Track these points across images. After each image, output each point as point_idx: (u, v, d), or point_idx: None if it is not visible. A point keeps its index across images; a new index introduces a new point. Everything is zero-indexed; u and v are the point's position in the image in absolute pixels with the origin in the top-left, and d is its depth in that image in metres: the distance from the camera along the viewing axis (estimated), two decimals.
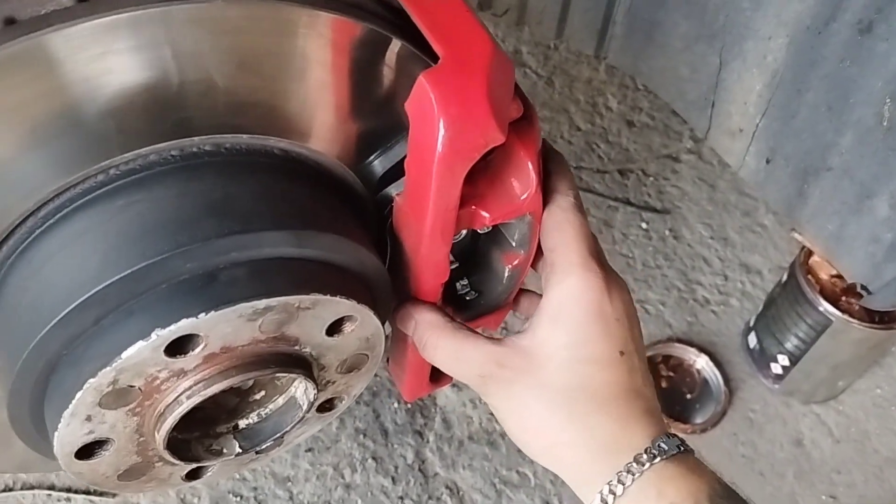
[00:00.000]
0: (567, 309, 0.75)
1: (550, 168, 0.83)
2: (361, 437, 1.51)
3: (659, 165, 2.11)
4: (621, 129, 2.17)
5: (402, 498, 1.45)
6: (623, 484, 0.69)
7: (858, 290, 1.19)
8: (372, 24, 0.71)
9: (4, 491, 1.37)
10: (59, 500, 1.38)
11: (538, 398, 0.74)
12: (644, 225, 1.97)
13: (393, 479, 1.47)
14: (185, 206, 0.66)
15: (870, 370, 1.74)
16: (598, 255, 0.79)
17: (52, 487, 1.38)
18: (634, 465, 0.70)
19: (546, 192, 0.82)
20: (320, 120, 0.75)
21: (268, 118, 0.71)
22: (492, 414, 1.65)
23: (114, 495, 1.35)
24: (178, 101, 0.65)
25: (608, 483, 0.70)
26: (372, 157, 0.82)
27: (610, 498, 0.69)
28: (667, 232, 1.97)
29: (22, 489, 1.37)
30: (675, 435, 0.73)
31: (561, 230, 0.79)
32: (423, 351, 0.82)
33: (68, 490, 1.38)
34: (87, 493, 1.37)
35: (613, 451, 0.71)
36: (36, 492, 1.37)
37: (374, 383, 1.59)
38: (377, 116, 0.78)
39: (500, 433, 1.58)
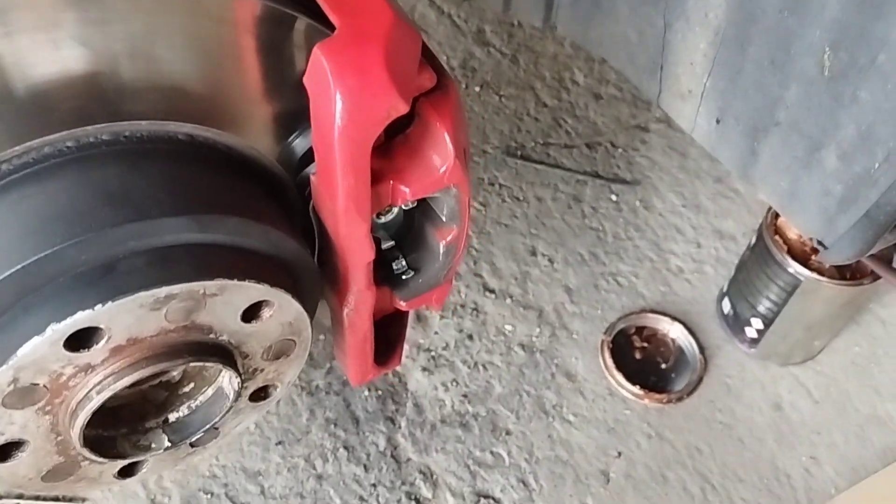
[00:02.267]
0: None
1: None
2: (332, 426, 1.50)
3: (628, 137, 2.08)
4: (588, 103, 2.15)
5: (374, 485, 1.44)
6: None
7: (815, 245, 1.17)
8: (272, 1, 0.69)
9: None
10: None
11: None
12: (614, 197, 1.94)
13: (365, 466, 1.46)
14: (81, 198, 0.65)
15: (847, 329, 1.72)
16: None
17: (20, 497, 1.37)
18: None
19: None
20: (229, 102, 0.74)
21: (167, 102, 0.69)
22: (464, 395, 1.64)
23: (83, 500, 1.35)
24: (63, 89, 0.63)
25: None
26: (291, 138, 0.80)
27: None
28: (637, 203, 1.94)
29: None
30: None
31: None
32: None
33: (37, 498, 1.38)
34: (57, 499, 1.37)
35: None
36: (4, 501, 1.36)
37: (343, 373, 1.58)
38: (290, 97, 0.76)
39: (472, 415, 1.57)
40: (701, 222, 1.93)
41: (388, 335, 1.02)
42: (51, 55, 0.62)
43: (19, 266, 0.61)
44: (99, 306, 0.61)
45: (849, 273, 1.52)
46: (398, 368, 1.60)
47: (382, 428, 1.52)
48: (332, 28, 0.72)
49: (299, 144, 0.82)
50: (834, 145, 1.07)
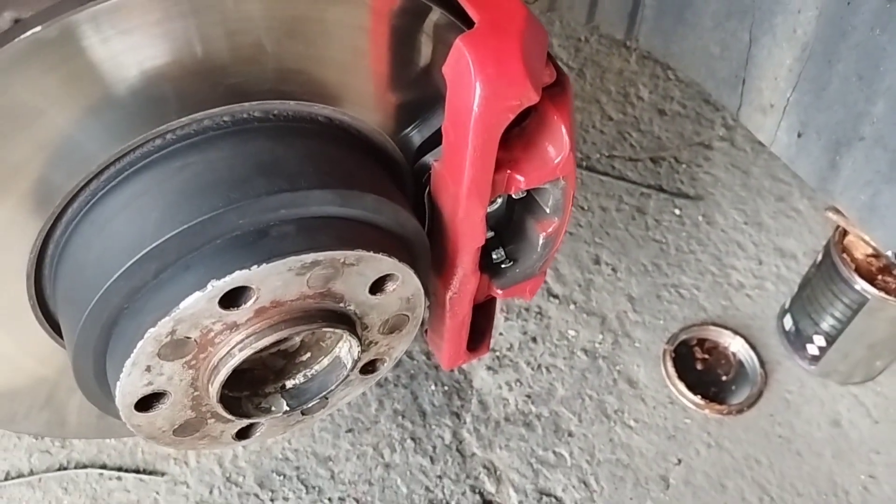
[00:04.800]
0: None
1: None
2: (400, 418, 1.54)
3: (691, 153, 2.11)
4: (653, 118, 2.18)
5: (440, 477, 1.48)
6: None
7: (892, 259, 1.19)
8: None
9: (59, 470, 1.43)
10: (110, 479, 1.43)
11: None
12: (677, 211, 1.97)
13: (431, 458, 1.50)
14: (237, 167, 0.70)
15: None
16: None
17: (104, 466, 1.42)
18: None
19: None
20: (363, 89, 0.79)
21: (313, 85, 0.74)
22: (528, 396, 1.68)
23: (163, 474, 1.40)
24: (230, 67, 0.69)
25: None
26: (410, 128, 0.85)
27: None
28: (700, 218, 1.97)
29: (75, 468, 1.42)
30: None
31: None
32: None
33: (119, 469, 1.43)
34: (137, 471, 1.42)
35: None
36: (89, 470, 1.42)
37: (412, 367, 1.63)
38: (415, 87, 0.81)
39: (535, 415, 1.60)
40: (762, 239, 1.95)
41: (477, 324, 1.06)
42: (223, 40, 0.67)
43: (184, 227, 0.66)
44: (255, 267, 0.66)
45: None
46: (464, 366, 1.63)
47: (448, 422, 1.56)
48: (463, 21, 0.77)
49: (416, 135, 0.86)
50: None
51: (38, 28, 0.60)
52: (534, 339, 1.70)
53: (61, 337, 0.81)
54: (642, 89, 2.24)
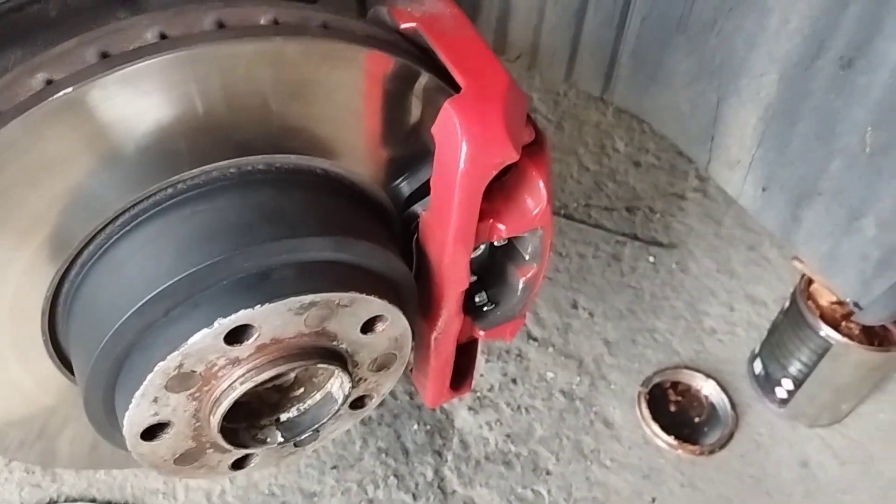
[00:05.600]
0: None
1: None
2: (383, 455, 1.58)
3: (665, 203, 2.20)
4: (628, 169, 2.27)
5: None
6: None
7: (851, 306, 1.27)
8: (404, 58, 0.81)
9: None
10: None
11: None
12: (652, 259, 2.05)
13: (413, 495, 1.54)
14: (243, 215, 0.76)
15: (873, 395, 1.80)
16: None
17: (93, 500, 1.45)
18: None
19: None
20: (357, 144, 0.86)
21: (312, 141, 0.81)
22: (507, 435, 1.72)
23: None
24: (239, 125, 0.76)
25: None
26: (400, 180, 0.92)
27: None
28: (674, 265, 2.05)
29: (66, 502, 1.45)
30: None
31: None
32: None
33: (109, 503, 1.46)
34: None
35: None
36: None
37: (396, 406, 1.67)
38: (406, 143, 0.89)
39: (514, 454, 1.65)
40: (734, 287, 2.03)
41: (460, 363, 1.12)
42: (235, 101, 0.74)
43: (194, 269, 0.72)
44: (258, 306, 0.72)
45: (877, 340, 1.61)
46: (445, 406, 1.68)
47: (430, 460, 1.60)
48: (450, 85, 0.84)
49: (406, 187, 0.93)
50: (873, 215, 1.18)
51: (70, 89, 0.66)
52: (514, 381, 1.75)
53: (68, 369, 0.86)
54: (618, 142, 2.34)
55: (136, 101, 0.70)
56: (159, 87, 0.70)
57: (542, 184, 0.90)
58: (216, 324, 0.71)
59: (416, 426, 1.65)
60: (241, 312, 0.72)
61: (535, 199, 0.90)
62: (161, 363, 0.71)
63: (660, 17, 1.39)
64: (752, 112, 1.33)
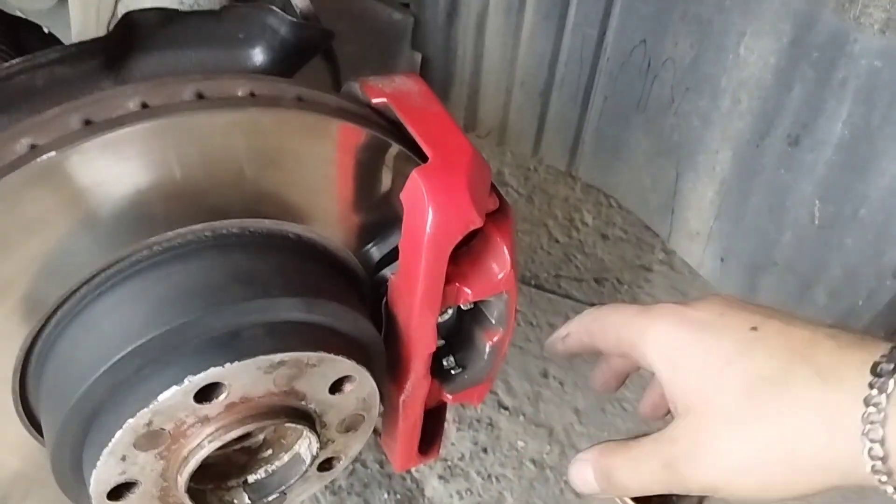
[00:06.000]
0: (672, 351, 0.73)
1: None
2: None
3: (633, 274, 2.26)
4: (596, 242, 2.34)
5: None
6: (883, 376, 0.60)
7: None
8: (374, 130, 0.86)
9: None
10: None
11: (721, 433, 0.68)
12: None
13: None
14: (216, 276, 0.79)
15: None
16: (635, 307, 0.84)
17: None
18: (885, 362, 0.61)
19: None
20: (329, 210, 0.89)
21: (286, 206, 0.85)
22: None
23: None
24: (214, 190, 0.79)
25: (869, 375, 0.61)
26: (370, 245, 0.96)
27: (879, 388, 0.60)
28: None
29: None
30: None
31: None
32: (610, 482, 0.79)
33: None
34: None
35: (847, 364, 0.64)
36: None
37: (365, 475, 1.66)
38: (375, 209, 0.92)
39: None
40: None
41: (428, 428, 1.13)
42: (210, 168, 0.78)
43: (166, 328, 0.74)
44: (228, 364, 0.74)
45: None
46: (415, 475, 1.68)
47: None
48: (418, 155, 0.89)
49: (376, 252, 0.97)
50: (823, 284, 1.24)
51: (53, 153, 0.70)
52: (484, 450, 1.76)
53: (38, 431, 0.86)
54: (587, 215, 2.41)
55: (116, 167, 0.74)
56: (139, 153, 0.74)
57: (506, 249, 0.94)
58: (186, 381, 0.73)
59: (386, 495, 1.64)
60: (212, 370, 0.73)
61: (499, 263, 0.94)
62: (131, 420, 0.73)
63: (621, 96, 1.48)
64: (708, 186, 1.39)
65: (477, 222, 0.85)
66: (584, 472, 0.81)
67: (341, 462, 0.95)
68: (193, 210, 0.79)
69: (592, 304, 2.22)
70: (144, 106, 0.74)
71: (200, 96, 0.76)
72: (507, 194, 2.55)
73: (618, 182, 1.59)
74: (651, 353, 0.77)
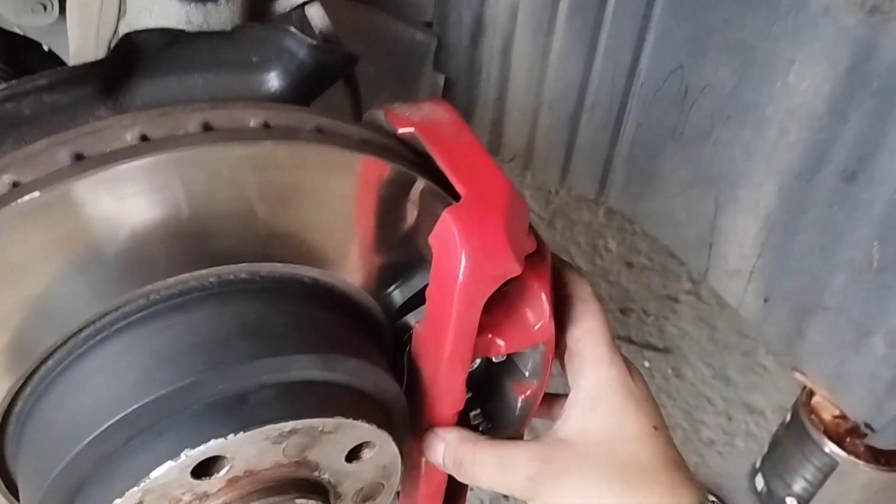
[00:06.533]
0: (603, 395, 0.80)
1: (557, 262, 0.88)
2: None
3: (658, 305, 2.16)
4: (621, 270, 2.24)
5: None
6: None
7: (863, 428, 1.20)
8: (400, 164, 0.77)
9: None
10: None
11: (595, 482, 0.76)
12: (647, 363, 1.99)
13: None
14: (220, 329, 0.70)
15: None
16: (615, 342, 0.86)
17: None
18: None
19: (563, 286, 0.87)
20: (348, 252, 0.80)
21: (300, 248, 0.76)
22: None
23: None
24: (222, 231, 0.70)
25: None
26: (392, 288, 0.86)
27: None
28: (669, 371, 1.99)
29: None
30: (717, 499, 0.78)
31: (585, 320, 0.85)
32: (461, 469, 0.83)
33: None
34: None
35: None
36: None
37: None
38: (400, 249, 0.83)
39: None
40: (730, 395, 1.97)
41: (452, 487, 1.03)
42: (216, 203, 0.69)
43: (160, 392, 0.65)
44: (231, 435, 0.64)
45: (883, 458, 1.54)
46: None
47: None
48: (444, 187, 0.80)
49: (398, 295, 0.87)
50: (883, 332, 1.13)
51: (37, 193, 0.61)
52: (505, 497, 1.65)
53: (14, 495, 0.77)
54: (610, 241, 2.32)
55: (110, 206, 0.65)
56: (136, 191, 0.65)
57: (544, 296, 0.84)
58: (183, 455, 0.63)
59: None
60: (212, 443, 0.64)
61: (536, 312, 0.84)
62: (118, 500, 0.63)
63: (655, 124, 1.38)
64: (751, 222, 1.29)
65: (515, 270, 0.76)
66: (436, 448, 0.83)
67: None
68: (197, 254, 0.70)
69: (618, 337, 2.12)
70: (144, 138, 0.65)
71: (208, 127, 0.67)
72: None
73: (650, 213, 1.49)
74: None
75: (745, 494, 1.72)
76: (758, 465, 1.72)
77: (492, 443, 0.83)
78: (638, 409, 0.79)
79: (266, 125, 0.69)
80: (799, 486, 1.59)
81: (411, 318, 0.86)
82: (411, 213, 0.82)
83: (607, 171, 1.50)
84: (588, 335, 0.84)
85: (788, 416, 1.63)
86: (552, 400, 0.98)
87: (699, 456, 1.79)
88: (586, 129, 1.46)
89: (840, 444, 1.52)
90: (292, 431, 0.68)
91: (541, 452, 0.80)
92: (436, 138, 0.81)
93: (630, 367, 0.84)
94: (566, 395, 0.85)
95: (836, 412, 1.59)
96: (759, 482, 1.70)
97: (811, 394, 1.59)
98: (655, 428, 0.79)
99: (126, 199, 0.65)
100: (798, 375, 1.60)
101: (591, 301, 0.86)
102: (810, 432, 1.55)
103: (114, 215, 0.66)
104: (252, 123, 0.69)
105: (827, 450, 1.52)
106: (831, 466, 1.52)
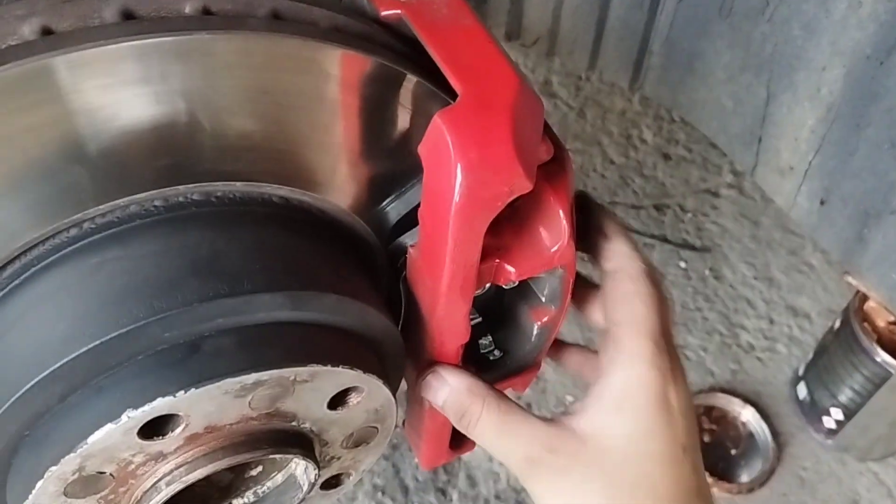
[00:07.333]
0: (633, 397, 0.69)
1: (608, 229, 0.75)
2: (380, 494, 1.40)
3: (697, 201, 2.00)
4: (657, 163, 2.08)
5: None
6: None
7: None
8: (382, 57, 0.63)
9: None
10: None
11: (596, 492, 0.66)
12: (682, 264, 1.86)
13: None
14: (166, 265, 0.58)
15: None
16: (667, 336, 0.72)
17: None
18: None
19: (611, 256, 0.74)
20: (325, 164, 0.67)
21: (264, 163, 0.63)
22: None
23: None
24: (160, 144, 0.57)
25: None
26: (385, 203, 0.74)
27: None
28: (707, 272, 1.86)
29: None
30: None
31: (630, 304, 0.72)
32: (461, 421, 0.74)
33: None
34: None
35: None
36: None
37: (394, 435, 1.50)
38: (390, 159, 0.70)
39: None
40: (773, 297, 1.84)
41: None
42: (150, 108, 0.56)
43: (97, 342, 0.54)
44: (181, 392, 0.54)
45: None
46: None
47: (433, 500, 1.43)
48: (442, 86, 0.66)
49: (393, 210, 0.75)
50: None
51: None
52: (529, 406, 1.57)
53: None
54: (646, 131, 2.14)
55: (19, 117, 0.52)
56: (46, 98, 0.52)
57: (562, 213, 0.71)
58: (124, 417, 0.54)
59: (416, 460, 1.47)
60: (159, 401, 0.54)
61: (553, 232, 0.71)
62: (53, 468, 0.54)
63: None
64: (809, 112, 1.13)
65: (525, 186, 0.62)
66: (440, 391, 0.74)
67: (352, 477, 0.77)
68: (137, 173, 0.58)
69: (652, 236, 1.98)
70: (46, 31, 0.52)
71: (129, 16, 0.54)
72: (555, 107, 2.27)
73: (691, 103, 1.32)
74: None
75: (785, 403, 1.62)
76: (801, 372, 1.61)
77: (499, 404, 0.72)
78: (669, 425, 0.67)
79: (206, 11, 0.55)
80: (845, 396, 1.48)
81: (407, 239, 0.74)
82: (402, 117, 0.68)
83: (643, 56, 1.33)
84: (631, 323, 0.71)
85: (838, 322, 1.51)
86: (580, 353, 0.87)
87: (737, 362, 1.69)
88: (618, 6, 1.28)
89: (894, 353, 1.40)
90: (257, 383, 0.57)
91: (547, 437, 0.69)
92: (427, 22, 0.66)
93: (675, 370, 0.71)
94: (595, 353, 0.76)
95: (892, 318, 1.46)
96: (802, 390, 1.59)
97: (864, 298, 1.46)
98: (684, 450, 0.68)
99: (37, 107, 0.52)
100: (850, 279, 1.47)
101: (642, 282, 0.72)
102: (861, 340, 1.42)
103: (25, 127, 0.53)
104: (187, 10, 0.55)
105: (878, 359, 1.40)
106: (882, 377, 1.41)
